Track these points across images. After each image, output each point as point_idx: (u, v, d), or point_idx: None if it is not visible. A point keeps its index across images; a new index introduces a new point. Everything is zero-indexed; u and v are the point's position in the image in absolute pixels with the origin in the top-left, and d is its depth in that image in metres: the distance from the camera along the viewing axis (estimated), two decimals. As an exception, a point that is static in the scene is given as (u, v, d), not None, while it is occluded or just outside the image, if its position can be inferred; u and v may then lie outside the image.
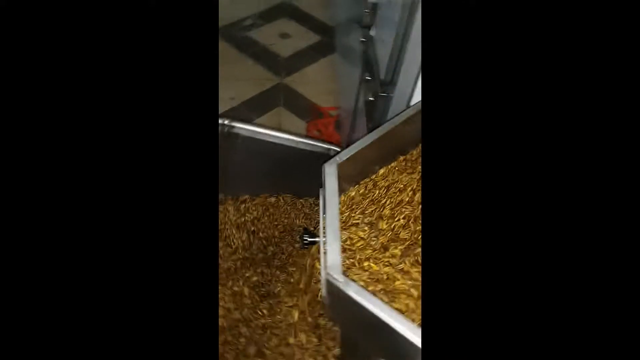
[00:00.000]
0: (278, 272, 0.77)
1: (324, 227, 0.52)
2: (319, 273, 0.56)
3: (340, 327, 0.55)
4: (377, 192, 0.59)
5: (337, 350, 0.68)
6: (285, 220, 0.84)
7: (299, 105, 1.33)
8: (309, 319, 0.70)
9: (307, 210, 0.85)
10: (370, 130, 0.82)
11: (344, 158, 0.52)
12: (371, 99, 0.81)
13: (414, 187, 0.59)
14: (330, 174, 0.50)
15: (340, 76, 1.36)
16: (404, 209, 0.56)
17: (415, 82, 0.69)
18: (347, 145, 0.94)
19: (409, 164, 0.63)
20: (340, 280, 0.42)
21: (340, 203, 0.56)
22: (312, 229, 0.54)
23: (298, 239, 0.82)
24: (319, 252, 0.64)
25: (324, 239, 0.51)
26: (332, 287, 0.43)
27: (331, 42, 1.52)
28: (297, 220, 0.84)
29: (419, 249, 0.51)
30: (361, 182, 0.60)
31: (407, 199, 0.58)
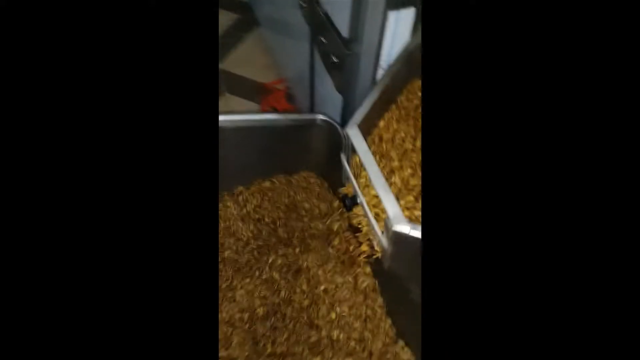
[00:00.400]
0: (298, 249, 0.79)
1: (359, 189, 0.54)
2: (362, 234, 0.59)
3: (402, 274, 0.59)
4: (384, 145, 0.61)
5: (380, 300, 0.73)
6: (286, 200, 0.84)
7: (243, 87, 1.30)
8: (350, 279, 0.73)
9: (304, 184, 0.86)
10: (342, 90, 0.84)
11: (361, 118, 0.54)
12: (336, 60, 0.82)
13: (412, 133, 0.63)
14: (356, 135, 0.52)
15: (275, 48, 1.34)
16: (410, 158, 0.59)
17: (381, 34, 0.71)
18: (312, 112, 0.95)
19: (403, 111, 0.66)
20: (407, 227, 0.45)
21: (354, 165, 0.59)
22: (346, 193, 0.56)
23: (306, 219, 0.83)
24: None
25: (364, 200, 0.54)
26: (398, 237, 0.46)
27: (252, 17, 1.48)
28: (297, 196, 0.85)
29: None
30: (367, 138, 0.62)
31: (410, 147, 0.61)
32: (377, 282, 0.74)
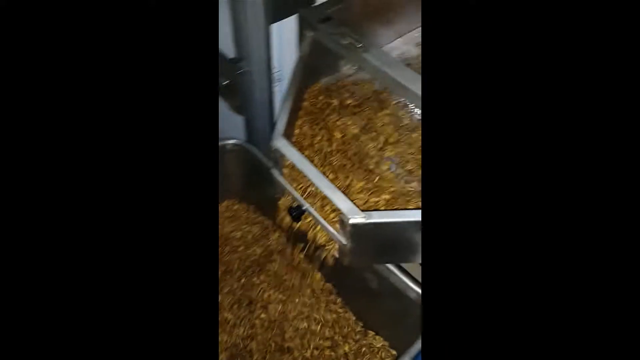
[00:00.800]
0: (243, 281, 0.75)
1: (303, 197, 0.54)
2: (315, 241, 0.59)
3: (360, 265, 0.60)
4: (305, 153, 0.62)
5: (339, 300, 0.73)
6: (214, 235, 0.80)
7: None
8: (305, 291, 0.72)
9: (229, 214, 0.83)
10: (240, 110, 0.83)
11: (282, 130, 0.54)
12: (227, 81, 0.81)
13: (326, 136, 0.64)
14: (285, 146, 0.52)
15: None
16: (330, 162, 0.60)
17: (268, 47, 0.72)
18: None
19: (311, 117, 0.68)
20: (363, 216, 0.46)
21: (287, 176, 0.59)
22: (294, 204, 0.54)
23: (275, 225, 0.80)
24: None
25: (309, 206, 0.54)
26: (357, 228, 0.47)
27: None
28: (225, 228, 0.81)
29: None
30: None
31: (328, 150, 0.62)
32: (331, 284, 0.74)
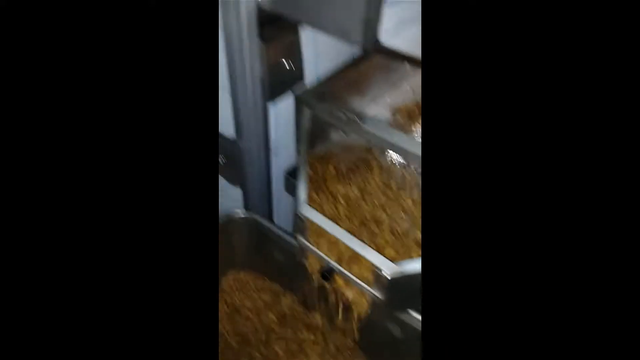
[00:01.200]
0: (263, 349, 0.75)
1: (327, 256, 0.59)
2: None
3: (395, 314, 0.63)
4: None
5: (363, 354, 0.75)
6: (225, 307, 0.80)
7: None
8: (332, 349, 0.74)
9: (237, 285, 0.84)
10: (240, 184, 0.86)
11: (306, 198, 0.59)
12: (224, 161, 0.85)
13: (330, 200, 0.69)
14: (310, 211, 0.56)
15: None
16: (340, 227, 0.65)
17: (265, 124, 0.78)
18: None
19: (315, 184, 0.73)
20: (398, 268, 0.51)
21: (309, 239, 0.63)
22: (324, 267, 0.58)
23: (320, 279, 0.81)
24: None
25: (339, 268, 0.58)
26: (392, 280, 0.52)
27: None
28: (235, 299, 0.81)
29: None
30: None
31: (334, 213, 0.67)
32: (353, 339, 0.76)
